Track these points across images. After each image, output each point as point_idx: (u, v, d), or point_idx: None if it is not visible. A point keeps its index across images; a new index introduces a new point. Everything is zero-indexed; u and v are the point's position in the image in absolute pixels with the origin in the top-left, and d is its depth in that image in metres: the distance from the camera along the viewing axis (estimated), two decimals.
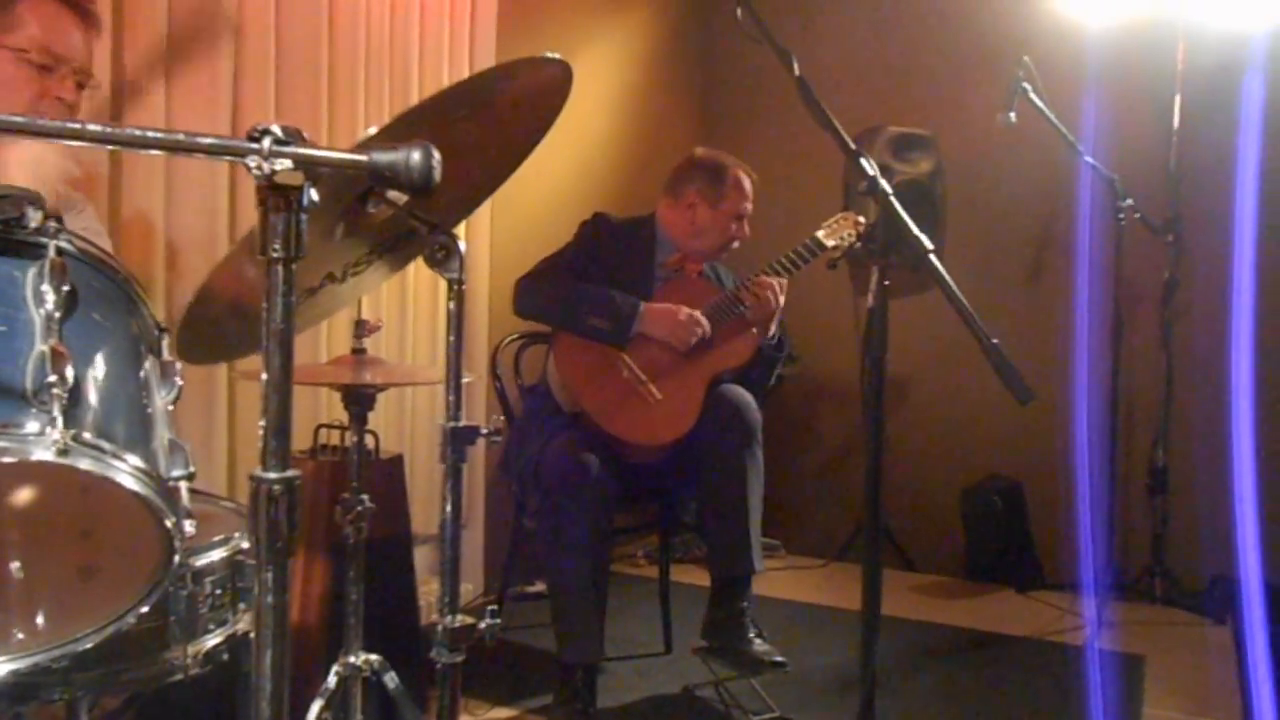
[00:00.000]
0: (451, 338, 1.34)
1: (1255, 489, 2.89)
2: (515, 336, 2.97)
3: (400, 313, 2.97)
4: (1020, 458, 3.70)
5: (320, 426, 2.41)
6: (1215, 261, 3.39)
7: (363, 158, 0.73)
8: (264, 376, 0.79)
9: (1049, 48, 3.48)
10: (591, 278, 2.59)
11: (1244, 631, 2.82)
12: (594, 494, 2.34)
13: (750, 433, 2.52)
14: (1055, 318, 3.61)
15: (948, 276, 1.44)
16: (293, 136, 0.71)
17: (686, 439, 2.51)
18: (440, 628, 1.34)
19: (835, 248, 2.61)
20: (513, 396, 2.92)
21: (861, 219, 2.70)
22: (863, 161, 1.54)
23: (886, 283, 1.50)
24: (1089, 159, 3.05)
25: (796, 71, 1.64)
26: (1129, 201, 3.12)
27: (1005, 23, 3.70)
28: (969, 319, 1.40)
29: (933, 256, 1.46)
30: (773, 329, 2.60)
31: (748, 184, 2.70)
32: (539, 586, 3.31)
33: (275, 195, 0.71)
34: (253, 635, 0.77)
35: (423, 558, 3.21)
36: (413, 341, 3.02)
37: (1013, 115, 2.91)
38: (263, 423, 0.77)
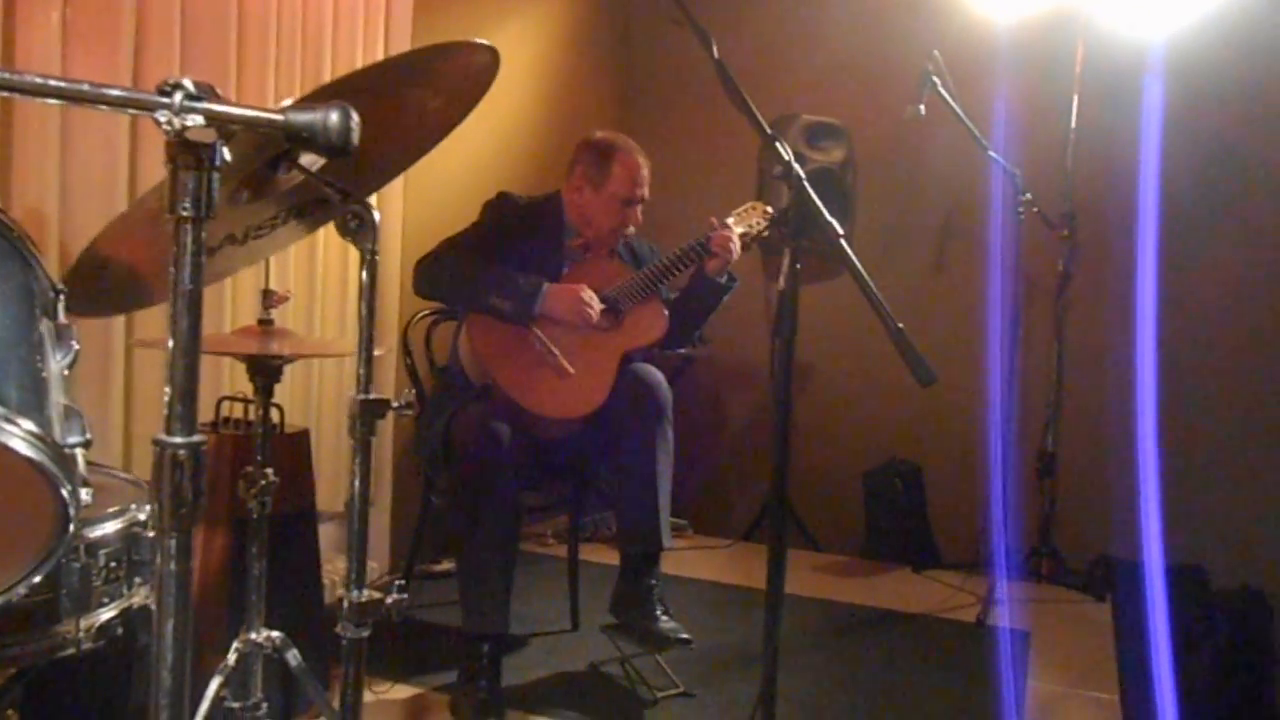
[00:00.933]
0: (363, 309, 1.32)
1: (1156, 474, 3.06)
2: (426, 313, 2.93)
3: (309, 284, 2.90)
4: (920, 442, 3.82)
5: (223, 399, 2.35)
6: (1106, 255, 3.56)
7: (279, 117, 0.71)
8: (169, 341, 0.76)
9: (959, 43, 3.58)
10: (500, 257, 2.56)
11: (1122, 608, 2.99)
12: (505, 463, 2.34)
13: (661, 409, 2.55)
14: (958, 306, 3.73)
15: (857, 261, 1.48)
16: (205, 92, 0.69)
17: (599, 415, 2.52)
18: (346, 603, 1.33)
19: (743, 235, 2.63)
20: (423, 372, 2.89)
21: (770, 209, 2.74)
22: (778, 146, 1.56)
23: (799, 266, 1.53)
24: (993, 153, 3.15)
25: (716, 54, 1.66)
26: (1028, 196, 3.23)
27: (917, 17, 3.79)
28: (875, 303, 1.44)
29: (843, 241, 1.49)
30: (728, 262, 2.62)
31: (639, 168, 2.62)
32: (445, 565, 3.30)
33: (185, 152, 0.69)
34: (153, 604, 0.75)
35: (327, 535, 3.15)
36: (321, 313, 2.95)
37: (921, 108, 2.99)
38: (168, 387, 0.75)
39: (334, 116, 0.71)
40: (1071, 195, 3.61)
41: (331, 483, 3.03)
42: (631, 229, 2.69)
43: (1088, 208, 3.64)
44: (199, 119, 0.68)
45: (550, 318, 2.51)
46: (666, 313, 2.64)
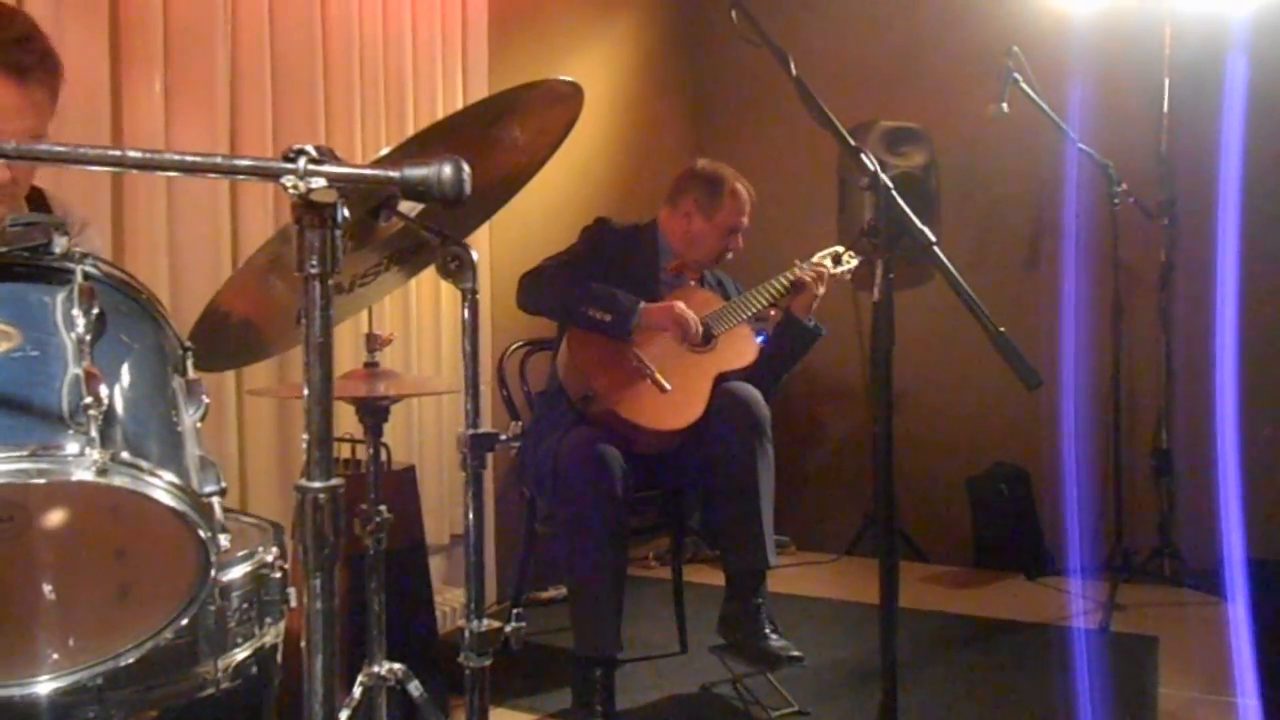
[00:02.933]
0: (466, 346, 1.36)
1: (1239, 468, 2.94)
2: (520, 344, 2.99)
3: (404, 324, 2.99)
4: (1025, 445, 3.72)
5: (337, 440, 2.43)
6: (1207, 243, 3.43)
7: (396, 174, 0.75)
8: (305, 390, 0.81)
9: (1037, 37, 3.50)
10: (597, 280, 2.61)
11: (1258, 608, 2.85)
12: (614, 485, 2.36)
13: (759, 427, 2.55)
14: (1054, 304, 3.64)
15: (951, 266, 1.46)
16: (326, 155, 0.73)
17: (695, 434, 2.53)
18: (467, 632, 1.36)
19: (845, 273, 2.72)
20: (519, 404, 2.94)
21: (840, 249, 2.82)
22: (863, 157, 1.56)
23: (891, 275, 1.52)
24: (1082, 145, 3.07)
25: (794, 71, 1.67)
26: (1123, 186, 3.14)
27: (993, 14, 3.72)
28: (974, 307, 1.42)
29: (936, 248, 1.48)
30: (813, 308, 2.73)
31: (745, 199, 2.75)
32: (552, 593, 3.33)
33: (310, 213, 0.73)
34: (303, 642, 0.79)
35: (435, 567, 3.23)
36: (418, 352, 3.04)
37: (1005, 106, 2.94)
38: (306, 435, 0.79)
39: (447, 170, 0.75)
40: (1170, 182, 3.49)
41: (437, 516, 3.10)
42: (731, 255, 2.77)
43: (1188, 194, 3.51)
44: (321, 181, 0.72)
45: (650, 329, 2.56)
46: (757, 340, 2.68)
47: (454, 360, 3.17)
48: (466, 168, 0.76)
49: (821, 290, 2.72)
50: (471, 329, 1.36)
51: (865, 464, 4.02)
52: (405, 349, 2.99)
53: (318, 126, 2.67)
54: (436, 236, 1.35)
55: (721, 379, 2.62)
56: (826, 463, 4.22)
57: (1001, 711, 2.44)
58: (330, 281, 0.77)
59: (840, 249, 2.83)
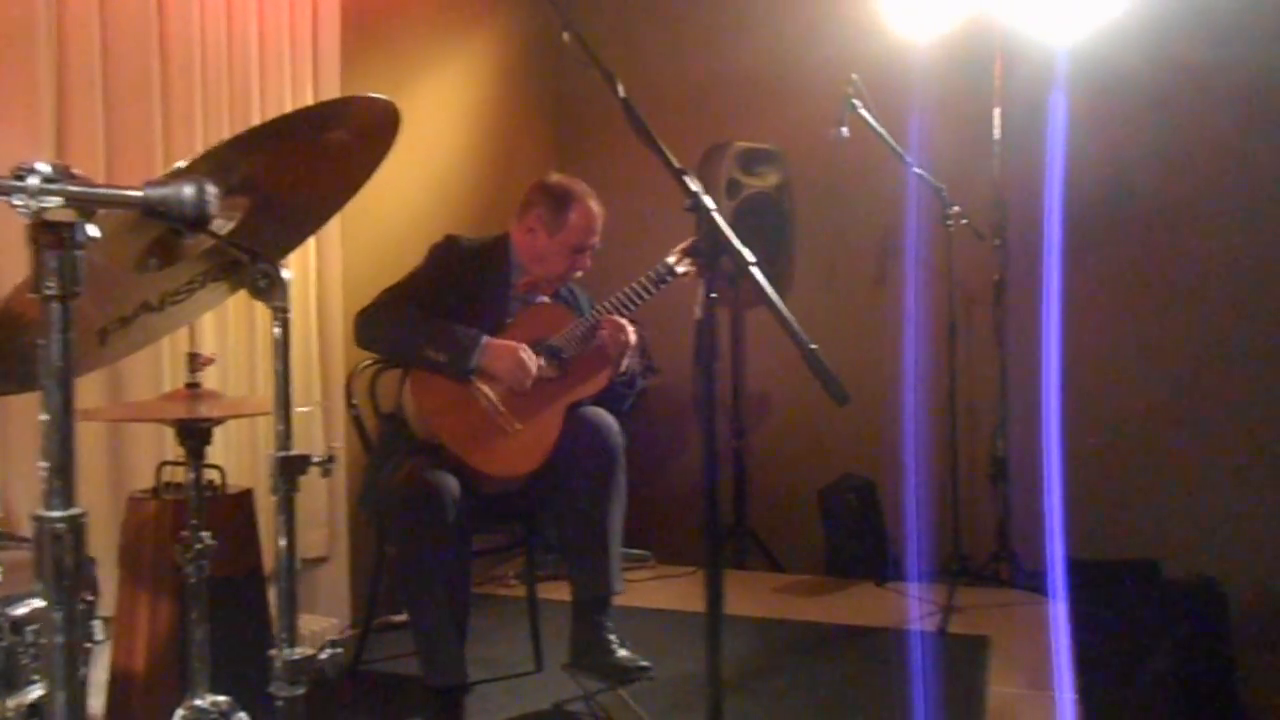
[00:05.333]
0: (278, 366, 1.33)
1: (1062, 475, 3.13)
2: (369, 363, 2.93)
3: (249, 343, 2.90)
4: (872, 456, 3.87)
5: (164, 464, 2.34)
6: (1036, 263, 3.64)
7: (136, 193, 0.73)
8: (43, 415, 0.77)
9: (881, 64, 3.67)
10: (446, 303, 2.57)
11: (1080, 606, 3.02)
12: (450, 517, 2.33)
13: (612, 456, 2.55)
14: (900, 320, 3.80)
15: (768, 286, 1.52)
16: (61, 174, 0.70)
17: (547, 461, 2.52)
18: (278, 662, 1.32)
19: (686, 273, 2.66)
20: (371, 423, 2.88)
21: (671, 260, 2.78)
22: (686, 179, 1.60)
23: (714, 295, 1.56)
24: (917, 170, 3.22)
25: (621, 93, 1.70)
26: (956, 209, 3.30)
27: (840, 41, 3.87)
28: (787, 325, 1.47)
29: (754, 269, 1.52)
30: (625, 364, 2.63)
31: (593, 217, 2.66)
32: (405, 616, 3.27)
33: (46, 233, 0.70)
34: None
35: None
36: (266, 372, 2.95)
37: (845, 130, 3.06)
38: (44, 462, 0.76)
39: (188, 190, 0.73)
40: (1001, 206, 3.70)
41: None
42: (579, 274, 2.73)
43: (1019, 216, 3.72)
44: (57, 200, 0.69)
45: (489, 373, 2.51)
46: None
47: (304, 379, 3.09)
48: (211, 189, 0.74)
49: (627, 338, 2.61)
50: (283, 347, 1.33)
51: (726, 477, 4.10)
52: (252, 368, 2.90)
53: (153, 134, 2.57)
54: (245, 253, 1.31)
55: (576, 405, 2.61)
56: (689, 475, 4.28)
57: (839, 715, 2.51)
58: (72, 303, 0.74)
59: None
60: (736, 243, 1.54)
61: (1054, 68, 3.56)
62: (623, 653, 2.51)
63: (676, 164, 1.62)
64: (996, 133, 3.67)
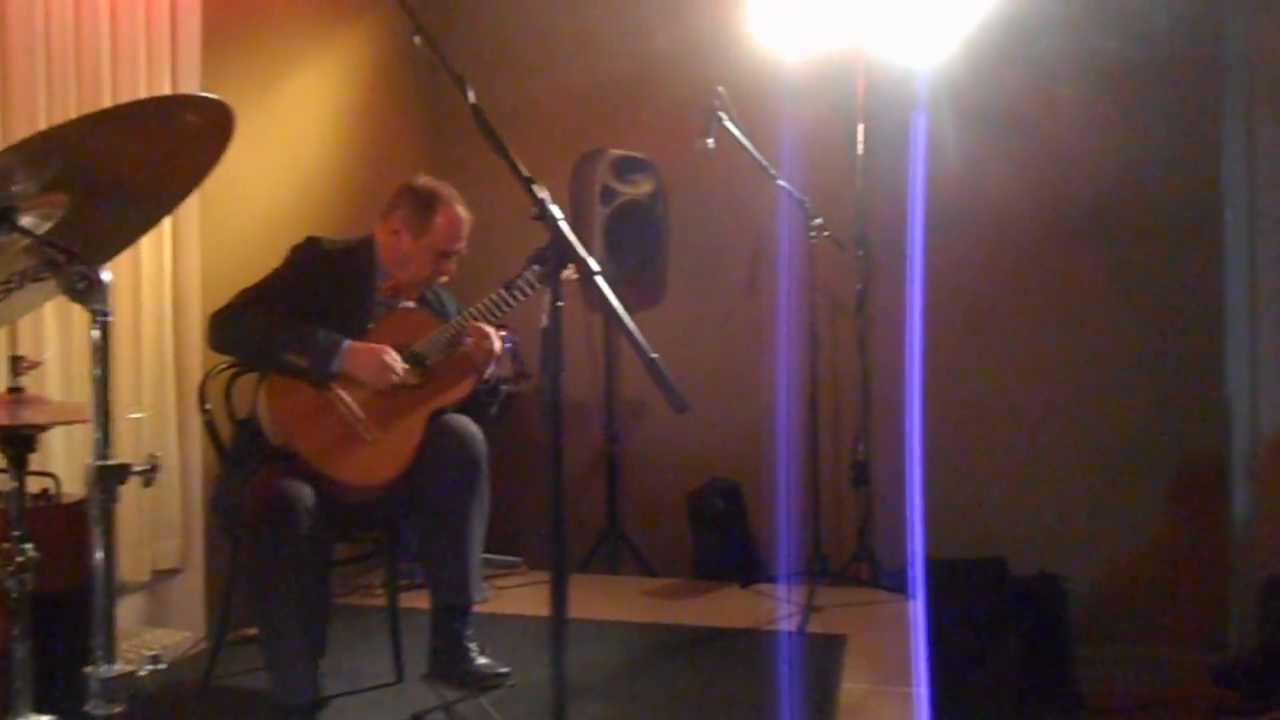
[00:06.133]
0: (97, 371, 1.28)
1: (921, 477, 3.27)
2: (224, 366, 2.83)
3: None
4: (739, 460, 3.95)
5: None
6: (899, 274, 3.78)
7: None
8: None
9: (751, 78, 3.76)
10: (306, 305, 2.51)
11: (931, 605, 3.15)
12: (304, 527, 2.27)
13: (474, 464, 2.53)
14: (770, 328, 3.89)
15: (611, 296, 1.53)
16: None
17: (408, 470, 2.49)
18: (92, 679, 1.27)
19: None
20: (224, 430, 2.79)
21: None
22: (533, 187, 1.60)
23: (560, 304, 1.57)
24: (781, 182, 3.31)
25: (471, 99, 1.70)
26: (818, 221, 3.40)
27: (712, 52, 3.94)
28: (629, 334, 1.50)
29: (599, 278, 1.54)
30: (490, 371, 2.61)
31: (460, 222, 2.61)
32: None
33: None
34: None
35: (134, 606, 3.01)
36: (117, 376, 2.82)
37: (710, 141, 3.12)
38: None
39: None
40: (864, 218, 3.83)
41: (135, 552, 2.89)
42: (444, 279, 2.69)
43: (880, 228, 3.86)
44: None
45: (352, 377, 2.46)
46: (505, 345, 2.64)
47: (157, 382, 2.97)
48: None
49: (492, 346, 2.57)
50: (101, 352, 1.28)
51: (601, 482, 4.13)
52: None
53: None
54: (61, 253, 1.26)
55: (440, 412, 2.58)
56: (562, 481, 4.29)
57: (695, 717, 2.56)
58: None
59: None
60: (582, 251, 1.55)
61: (915, 88, 3.71)
62: (482, 661, 2.50)
63: (524, 171, 1.63)
64: (860, 148, 3.81)
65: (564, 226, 1.57)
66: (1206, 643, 3.57)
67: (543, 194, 1.59)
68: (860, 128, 3.80)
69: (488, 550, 3.23)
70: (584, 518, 4.12)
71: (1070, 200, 3.81)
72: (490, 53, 4.33)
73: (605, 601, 3.60)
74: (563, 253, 1.55)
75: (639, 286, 4.10)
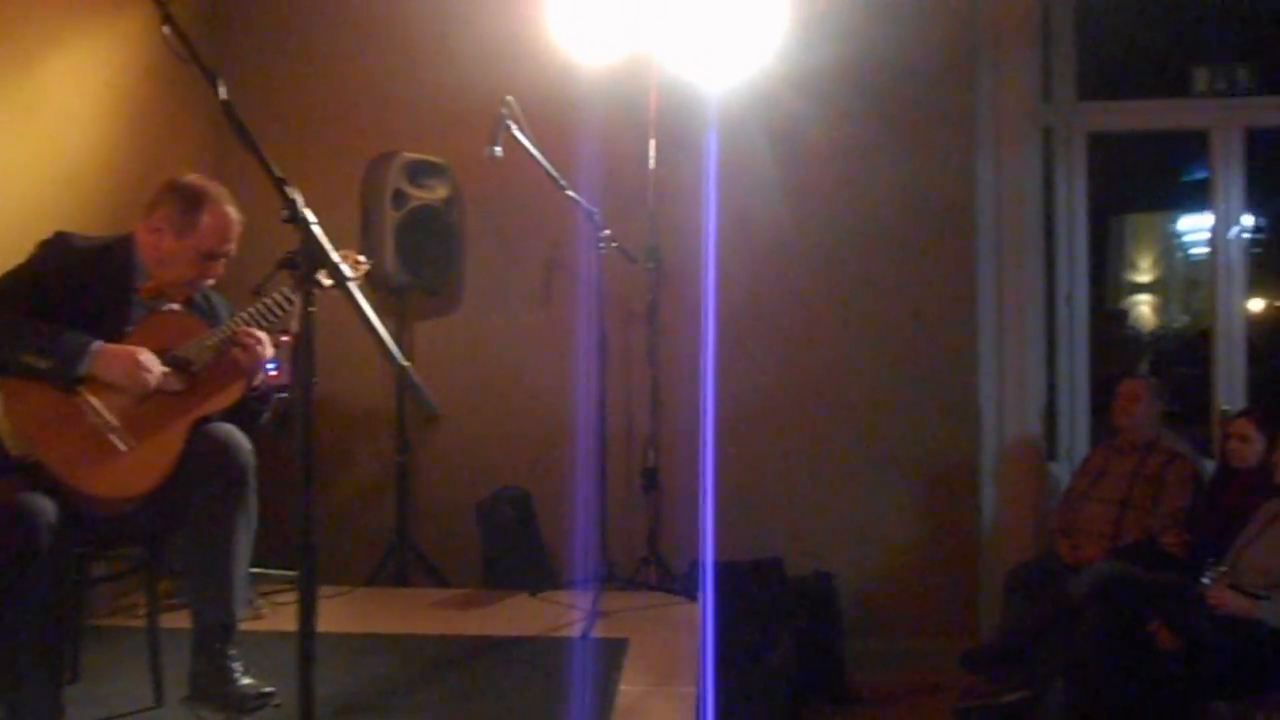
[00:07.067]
0: None
1: (713, 483, 3.38)
2: None
3: None
4: (531, 468, 3.98)
5: None
6: (692, 285, 3.90)
7: None
8: None
9: (547, 88, 3.79)
10: (54, 305, 2.33)
11: (711, 607, 3.26)
12: (44, 544, 2.10)
13: (239, 475, 2.40)
14: (565, 338, 3.93)
15: (364, 303, 1.52)
16: None
17: (167, 481, 2.35)
18: None
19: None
20: None
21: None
22: (286, 189, 1.56)
23: (312, 309, 1.53)
24: (570, 192, 3.35)
25: (223, 95, 1.64)
26: (607, 232, 3.47)
27: (508, 62, 3.95)
28: (381, 343, 1.48)
29: (351, 284, 1.52)
30: (259, 379, 2.49)
31: (229, 223, 2.47)
32: None
33: None
34: None
35: None
36: None
37: (498, 150, 3.12)
38: None
39: None
40: (655, 232, 3.94)
41: None
42: (211, 282, 2.56)
43: (672, 242, 3.98)
44: None
45: (103, 381, 2.30)
46: (270, 367, 2.53)
47: None
48: None
49: (263, 351, 2.42)
50: None
51: (392, 493, 4.04)
52: None
53: None
54: None
55: (204, 420, 2.45)
56: (353, 491, 4.18)
57: None
58: None
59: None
60: (335, 256, 1.52)
61: (706, 107, 3.85)
62: (245, 681, 2.39)
63: (277, 172, 1.59)
64: (651, 163, 3.91)
65: (317, 230, 1.53)
66: (960, 632, 3.89)
67: (295, 195, 1.55)
68: (653, 143, 3.90)
69: (265, 565, 3.11)
70: (373, 529, 4.02)
71: (845, 224, 4.06)
72: (277, 53, 4.18)
73: (391, 614, 3.53)
74: (314, 257, 1.51)
75: (433, 294, 4.05)
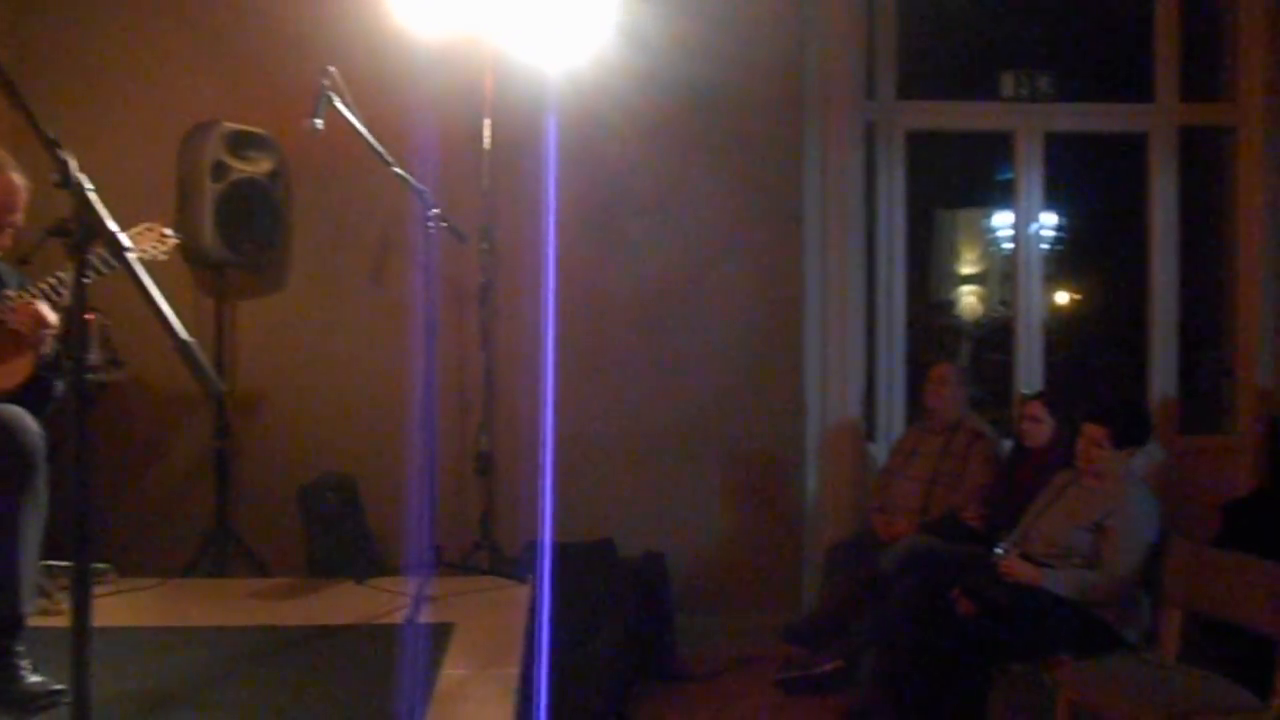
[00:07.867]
0: None
1: (552, 466, 3.37)
2: None
3: None
4: (357, 454, 3.88)
5: None
6: (526, 265, 3.87)
7: None
8: None
9: (378, 62, 3.68)
10: None
11: (537, 588, 3.26)
12: None
13: (26, 460, 2.24)
14: (394, 318, 3.83)
15: (143, 274, 1.43)
16: None
17: None
18: None
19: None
20: None
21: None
22: (59, 153, 1.46)
23: (86, 279, 1.44)
24: (397, 170, 3.27)
25: None
26: (436, 211, 3.39)
27: (336, 32, 3.81)
28: (160, 315, 1.41)
29: (131, 255, 1.43)
30: (46, 348, 2.32)
31: (15, 191, 2.33)
32: None
33: None
34: None
35: None
36: None
37: (319, 122, 3.01)
38: None
39: None
40: (490, 211, 3.89)
41: None
42: None
43: (506, 222, 3.95)
44: None
45: None
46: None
47: None
48: None
49: (43, 318, 2.20)
50: None
51: (208, 481, 3.85)
52: None
53: None
54: None
55: None
56: (166, 481, 3.97)
57: (295, 717, 2.47)
58: None
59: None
60: (112, 225, 1.44)
61: (544, 90, 3.81)
62: (34, 679, 2.25)
63: (50, 135, 1.48)
64: (486, 143, 3.86)
65: (92, 197, 1.44)
66: (784, 607, 4.03)
67: (68, 158, 1.45)
68: (487, 122, 3.85)
69: (64, 556, 2.91)
70: (190, 517, 3.84)
71: (678, 213, 4.11)
72: (97, 10, 3.92)
73: (207, 605, 3.38)
74: (88, 226, 1.42)
75: (256, 270, 3.88)
